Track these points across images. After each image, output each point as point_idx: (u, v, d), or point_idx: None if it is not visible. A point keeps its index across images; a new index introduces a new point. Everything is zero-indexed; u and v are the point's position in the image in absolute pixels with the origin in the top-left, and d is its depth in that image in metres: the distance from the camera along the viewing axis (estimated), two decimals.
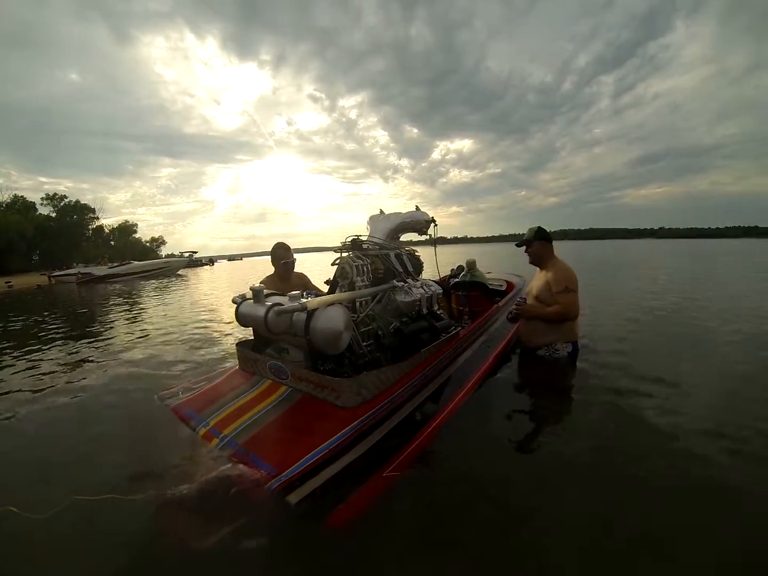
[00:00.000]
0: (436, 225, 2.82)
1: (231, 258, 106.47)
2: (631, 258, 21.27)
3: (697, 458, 1.89)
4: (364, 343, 2.13)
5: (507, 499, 1.69)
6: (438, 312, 2.64)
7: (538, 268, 3.32)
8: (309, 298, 1.83)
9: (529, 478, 1.81)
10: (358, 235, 2.41)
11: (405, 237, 2.83)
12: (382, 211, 2.76)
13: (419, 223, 2.75)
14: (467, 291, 3.86)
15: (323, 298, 1.85)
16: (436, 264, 3.13)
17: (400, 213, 2.71)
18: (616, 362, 3.25)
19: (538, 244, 3.16)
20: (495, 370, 2.89)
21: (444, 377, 2.30)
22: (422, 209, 2.78)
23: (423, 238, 2.85)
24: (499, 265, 14.08)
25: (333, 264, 2.28)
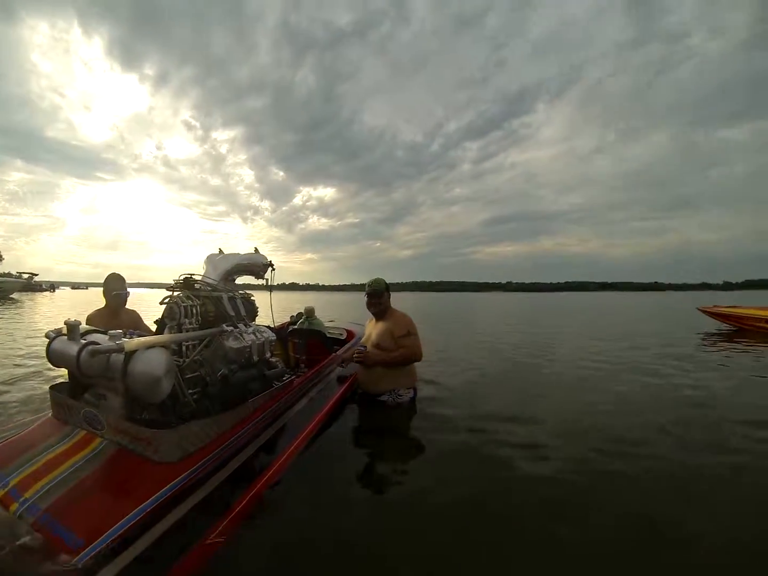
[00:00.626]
0: (273, 269, 2.94)
1: (75, 286, 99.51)
2: (475, 309, 24.86)
3: (532, 491, 2.17)
4: (190, 391, 2.05)
5: (350, 554, 1.67)
6: (271, 359, 2.70)
7: (372, 319, 3.64)
8: (130, 338, 1.73)
9: (371, 526, 1.84)
10: (191, 274, 2.38)
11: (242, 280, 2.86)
12: (221, 251, 2.76)
13: (257, 266, 2.83)
14: (305, 339, 3.98)
15: (144, 339, 1.76)
16: (270, 310, 3.21)
17: (238, 254, 2.76)
18: (457, 403, 3.69)
19: (387, 294, 3.52)
20: (333, 419, 3.00)
21: (277, 427, 2.34)
22: (277, 254, 2.91)
23: (260, 282, 2.93)
24: (348, 313, 14.74)
25: (162, 303, 2.21)
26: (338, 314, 12.79)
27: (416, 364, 3.50)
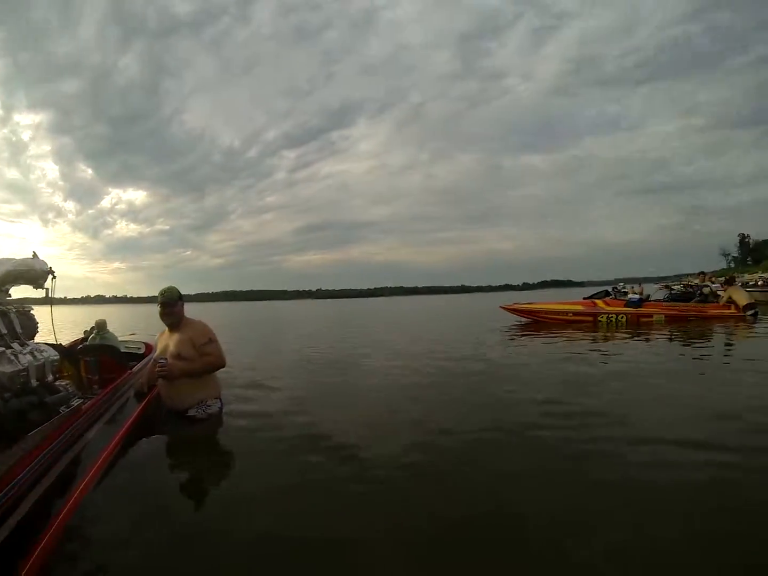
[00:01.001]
0: (54, 278, 2.67)
1: None
2: (284, 317, 25.81)
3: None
4: None
5: None
6: (56, 383, 2.45)
7: (165, 331, 3.49)
8: None
9: (188, 549, 1.78)
10: None
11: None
12: None
13: (35, 273, 2.53)
14: (97, 356, 3.62)
15: None
16: (52, 324, 2.88)
17: (12, 259, 2.43)
18: (264, 407, 3.89)
19: (181, 303, 3.39)
20: (135, 442, 2.83)
21: (66, 461, 2.09)
22: (81, 263, 2.63)
23: (38, 294, 2.62)
24: (160, 326, 13.51)
25: None
26: (148, 328, 11.59)
27: (219, 373, 3.51)
